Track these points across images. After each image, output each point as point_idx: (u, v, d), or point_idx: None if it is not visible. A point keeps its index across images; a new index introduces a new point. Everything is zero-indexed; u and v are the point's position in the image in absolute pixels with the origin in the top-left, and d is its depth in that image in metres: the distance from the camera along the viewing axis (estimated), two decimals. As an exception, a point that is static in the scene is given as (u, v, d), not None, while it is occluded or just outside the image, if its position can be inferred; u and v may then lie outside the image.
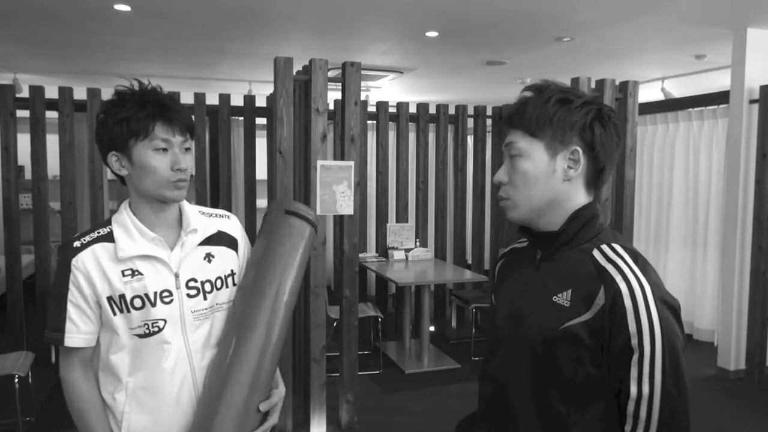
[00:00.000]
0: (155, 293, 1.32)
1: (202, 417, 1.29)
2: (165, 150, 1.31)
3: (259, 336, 1.32)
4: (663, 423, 1.02)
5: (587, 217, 1.12)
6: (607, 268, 1.06)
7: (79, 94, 4.55)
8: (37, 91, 4.43)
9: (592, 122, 1.10)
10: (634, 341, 1.01)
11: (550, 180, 1.11)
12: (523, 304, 1.16)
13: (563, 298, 1.08)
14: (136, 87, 1.33)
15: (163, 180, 1.31)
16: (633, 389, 1.02)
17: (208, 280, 1.39)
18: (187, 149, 1.36)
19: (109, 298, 1.30)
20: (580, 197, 1.13)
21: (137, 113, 1.28)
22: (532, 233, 1.18)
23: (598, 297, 1.04)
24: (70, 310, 1.30)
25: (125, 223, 1.35)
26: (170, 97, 1.35)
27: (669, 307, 1.03)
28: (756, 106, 4.33)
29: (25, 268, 4.93)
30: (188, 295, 1.36)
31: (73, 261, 1.30)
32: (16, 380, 3.23)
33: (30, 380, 3.44)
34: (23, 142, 4.56)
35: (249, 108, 4.95)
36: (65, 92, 4.46)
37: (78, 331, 1.31)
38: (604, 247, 1.09)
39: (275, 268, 1.39)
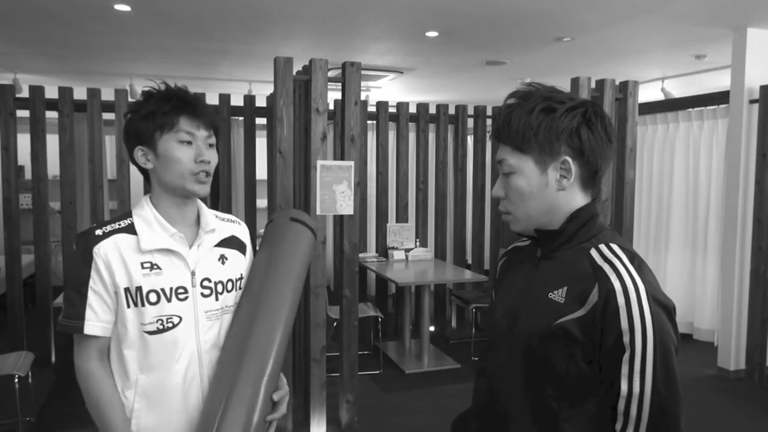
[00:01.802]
0: (171, 289, 1.33)
1: (213, 411, 1.28)
2: (189, 143, 1.34)
3: (266, 331, 1.35)
4: (653, 421, 1.02)
5: (586, 217, 1.13)
6: (602, 267, 1.07)
7: (79, 94, 4.56)
8: (37, 91, 4.43)
9: (579, 128, 1.09)
10: (626, 339, 1.01)
11: (544, 192, 1.11)
12: (521, 300, 1.17)
13: (558, 295, 1.09)
14: (163, 87, 1.38)
15: (186, 171, 1.34)
16: (624, 387, 1.02)
17: (220, 281, 1.41)
18: (211, 145, 1.39)
19: (126, 290, 1.31)
20: (577, 200, 1.13)
21: (162, 107, 1.33)
22: (533, 234, 1.19)
23: (592, 294, 1.04)
24: (91, 297, 1.30)
25: (147, 217, 1.37)
26: (195, 95, 1.39)
27: (662, 306, 1.04)
28: (756, 106, 4.33)
29: (25, 268, 4.93)
30: (202, 295, 1.38)
31: (95, 249, 1.31)
32: (16, 380, 3.22)
33: (30, 380, 3.44)
34: (23, 142, 4.56)
35: (249, 108, 4.95)
36: (65, 92, 4.46)
37: (98, 319, 1.31)
38: (602, 246, 1.10)
39: (280, 268, 1.44)
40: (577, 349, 1.05)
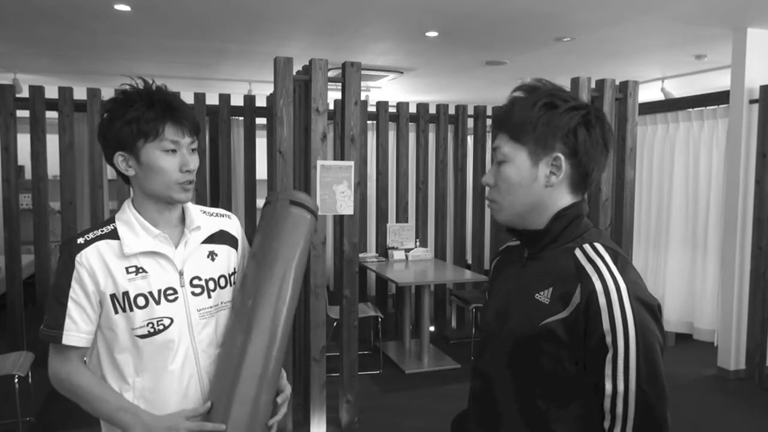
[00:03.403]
0: (159, 291, 1.32)
1: (216, 410, 1.27)
2: (174, 151, 1.31)
3: (266, 328, 1.32)
4: (639, 419, 1.03)
5: (571, 217, 1.13)
6: (585, 267, 1.07)
7: (79, 94, 4.56)
8: (37, 91, 4.43)
9: (576, 128, 1.09)
10: (609, 339, 1.02)
11: (532, 186, 1.12)
12: (510, 301, 1.18)
13: (544, 296, 1.09)
14: (141, 86, 1.32)
15: (172, 181, 1.31)
16: (608, 386, 1.03)
17: (212, 278, 1.39)
18: (194, 150, 1.35)
19: (113, 296, 1.29)
20: (563, 200, 1.13)
21: (146, 114, 1.27)
22: (519, 232, 1.19)
23: (575, 295, 1.05)
24: (71, 307, 1.29)
25: (129, 221, 1.35)
26: (178, 98, 1.34)
27: (645, 305, 1.04)
28: (756, 106, 4.33)
29: (25, 268, 4.93)
30: (193, 293, 1.36)
31: (77, 257, 1.29)
32: (16, 380, 3.22)
33: (30, 380, 3.44)
34: (23, 142, 4.56)
35: (249, 108, 4.95)
36: (65, 92, 4.46)
37: (77, 329, 1.29)
38: (586, 246, 1.10)
39: (278, 259, 1.38)
40: (563, 349, 1.06)
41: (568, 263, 1.09)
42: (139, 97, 1.29)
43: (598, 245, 1.10)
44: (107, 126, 1.31)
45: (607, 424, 1.06)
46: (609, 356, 1.02)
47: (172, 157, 1.31)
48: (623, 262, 1.08)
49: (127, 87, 1.32)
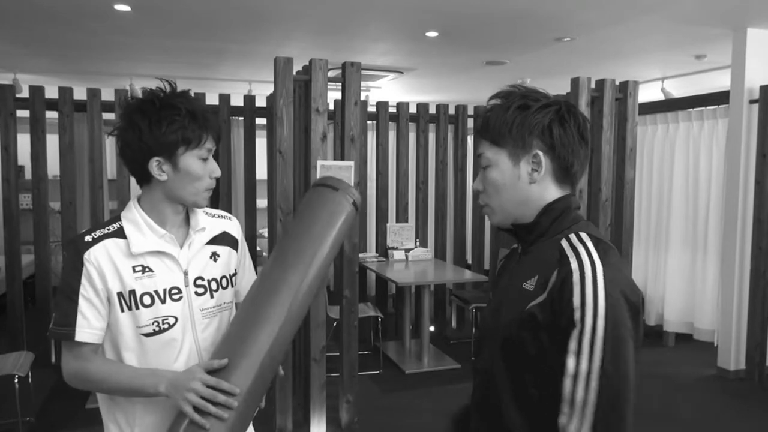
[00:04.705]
0: (165, 290, 1.34)
1: (229, 372, 1.26)
2: (206, 159, 1.36)
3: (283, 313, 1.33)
4: (601, 406, 0.99)
5: (560, 209, 1.16)
6: (566, 252, 1.09)
7: (79, 94, 4.56)
8: (37, 91, 4.43)
9: (551, 124, 1.13)
10: (577, 315, 1.01)
11: (517, 185, 1.16)
12: (503, 295, 1.22)
13: (530, 284, 1.12)
14: (168, 89, 1.34)
15: (203, 188, 1.37)
16: (570, 364, 1.01)
17: (214, 279, 1.42)
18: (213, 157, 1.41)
19: (120, 294, 1.30)
20: (549, 194, 1.17)
21: (192, 123, 1.32)
22: (511, 228, 1.23)
23: (553, 277, 1.07)
24: (82, 304, 1.29)
25: (136, 220, 1.36)
26: (207, 108, 1.39)
27: (622, 293, 1.03)
28: (756, 106, 4.33)
29: (25, 268, 4.93)
30: (196, 293, 1.38)
31: (86, 255, 1.30)
32: (16, 380, 3.23)
33: (30, 380, 3.44)
34: (23, 142, 4.56)
35: (249, 108, 4.95)
36: (65, 92, 4.46)
37: (89, 326, 1.30)
38: (572, 235, 1.13)
39: (315, 237, 1.42)
40: (542, 332, 1.06)
41: (554, 252, 1.11)
42: (181, 104, 1.32)
43: (582, 234, 1.12)
44: (148, 130, 1.29)
45: (563, 419, 1.01)
46: (575, 332, 1.01)
47: (205, 165, 1.36)
48: (605, 247, 1.09)
49: (157, 90, 1.34)
